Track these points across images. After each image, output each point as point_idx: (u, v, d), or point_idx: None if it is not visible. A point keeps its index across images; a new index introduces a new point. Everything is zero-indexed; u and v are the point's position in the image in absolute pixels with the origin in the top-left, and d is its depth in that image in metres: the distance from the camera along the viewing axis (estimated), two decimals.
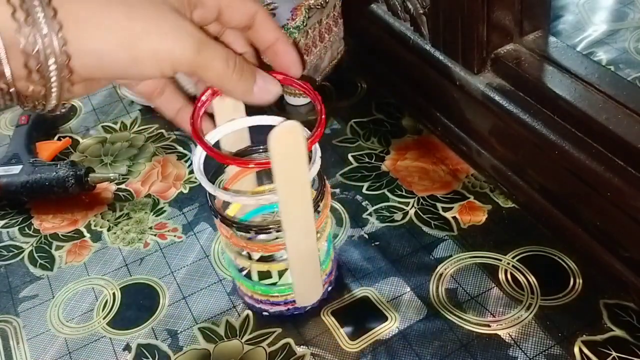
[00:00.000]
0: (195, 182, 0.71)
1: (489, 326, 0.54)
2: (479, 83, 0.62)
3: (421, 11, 0.67)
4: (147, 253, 0.64)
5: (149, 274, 0.62)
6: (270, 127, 0.42)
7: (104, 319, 0.59)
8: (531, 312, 0.55)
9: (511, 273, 0.58)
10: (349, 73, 0.82)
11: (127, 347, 0.56)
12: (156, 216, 0.68)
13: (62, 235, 0.67)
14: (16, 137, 0.75)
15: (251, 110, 0.50)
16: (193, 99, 0.47)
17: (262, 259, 0.55)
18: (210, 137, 0.49)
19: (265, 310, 0.56)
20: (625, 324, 0.53)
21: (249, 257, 0.55)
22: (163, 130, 0.78)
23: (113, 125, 0.80)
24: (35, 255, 0.66)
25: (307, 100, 0.76)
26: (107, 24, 0.35)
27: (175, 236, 0.66)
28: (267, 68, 0.45)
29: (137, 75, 0.37)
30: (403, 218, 0.64)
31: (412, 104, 0.74)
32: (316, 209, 0.50)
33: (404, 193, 0.67)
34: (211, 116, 0.49)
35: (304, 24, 0.70)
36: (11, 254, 0.66)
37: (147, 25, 0.35)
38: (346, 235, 0.63)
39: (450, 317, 0.55)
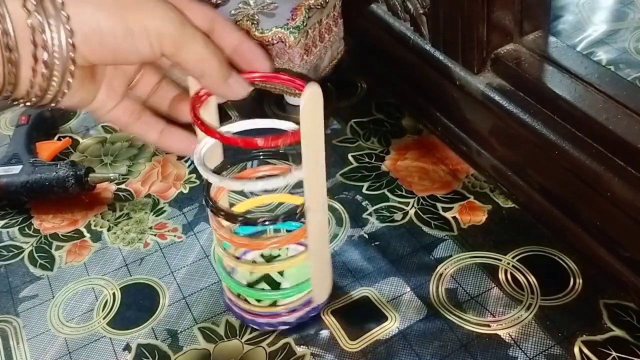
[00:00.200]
0: (195, 182, 0.71)
1: (489, 326, 0.54)
2: (479, 83, 0.62)
3: (421, 11, 0.67)
4: (147, 253, 0.64)
5: (149, 274, 0.62)
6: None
7: (104, 319, 0.59)
8: (531, 312, 0.55)
9: (511, 273, 0.58)
10: (349, 73, 0.82)
11: (127, 347, 0.56)
12: (156, 216, 0.68)
13: (62, 235, 0.67)
14: (16, 137, 0.75)
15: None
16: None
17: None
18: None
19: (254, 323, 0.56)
20: (625, 324, 0.53)
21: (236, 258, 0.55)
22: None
23: (113, 125, 0.80)
24: (35, 255, 0.66)
25: None
26: (102, 2, 0.37)
27: (175, 236, 0.66)
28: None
29: (132, 50, 0.38)
30: (403, 218, 0.64)
31: (412, 104, 0.74)
32: None
33: (404, 193, 0.67)
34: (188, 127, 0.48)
35: (304, 24, 0.70)
36: (11, 254, 0.66)
37: (136, 2, 0.38)
38: (346, 235, 0.63)
39: (450, 317, 0.55)
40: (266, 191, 0.48)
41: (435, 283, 0.58)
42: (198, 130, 0.47)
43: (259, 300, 0.55)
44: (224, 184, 0.48)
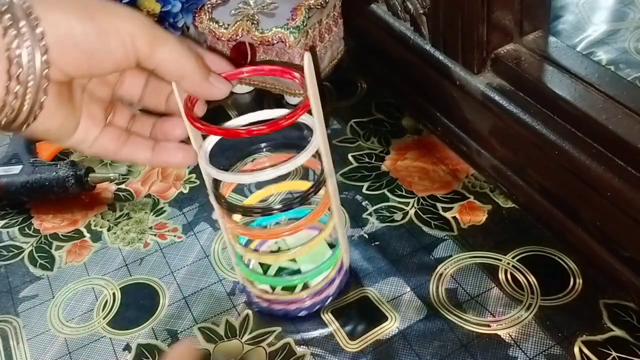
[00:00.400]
0: (196, 182, 0.71)
1: (489, 326, 0.54)
2: (479, 83, 0.62)
3: (421, 11, 0.67)
4: (147, 253, 0.64)
5: (149, 274, 0.62)
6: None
7: (104, 319, 0.59)
8: (531, 312, 0.55)
9: (511, 273, 0.58)
10: (349, 73, 0.82)
11: (127, 347, 0.56)
12: (156, 216, 0.68)
13: (62, 235, 0.67)
14: (16, 137, 0.75)
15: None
16: None
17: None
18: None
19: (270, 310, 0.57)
20: (625, 324, 0.53)
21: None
22: None
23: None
24: (35, 255, 0.66)
25: None
26: (74, 6, 0.36)
27: (175, 236, 0.66)
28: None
29: (106, 53, 0.37)
30: (403, 218, 0.64)
31: (412, 104, 0.74)
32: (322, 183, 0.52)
33: (404, 193, 0.67)
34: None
35: (304, 24, 0.70)
36: (11, 254, 0.66)
37: (106, 6, 0.38)
38: (346, 236, 0.63)
39: (450, 317, 0.55)
40: (278, 178, 0.48)
41: (435, 283, 0.58)
42: (194, 132, 0.47)
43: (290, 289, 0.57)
44: (237, 179, 0.48)
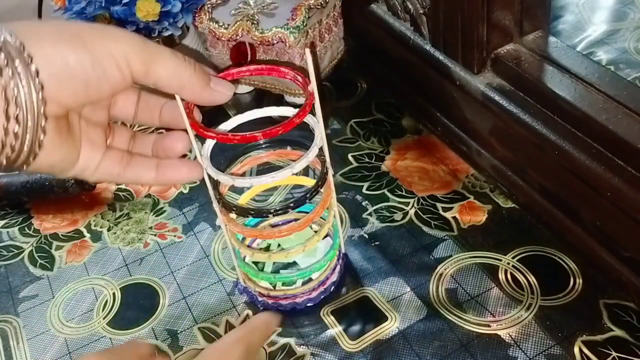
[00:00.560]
0: (195, 182, 0.71)
1: (489, 326, 0.54)
2: (479, 83, 0.62)
3: (421, 11, 0.67)
4: (147, 253, 0.64)
5: (149, 274, 0.62)
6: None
7: (104, 319, 0.59)
8: (531, 312, 0.55)
9: (511, 273, 0.58)
10: (349, 73, 0.82)
11: None
12: (156, 216, 0.68)
13: (62, 235, 0.67)
14: None
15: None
16: None
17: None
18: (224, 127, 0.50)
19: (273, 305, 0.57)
20: (625, 324, 0.53)
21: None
22: (163, 130, 0.78)
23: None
24: (35, 255, 0.66)
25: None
26: (63, 32, 0.36)
27: (175, 236, 0.66)
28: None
29: (103, 79, 0.37)
30: (403, 218, 0.64)
31: (412, 104, 0.74)
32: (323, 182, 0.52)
33: (404, 193, 0.67)
34: None
35: (304, 24, 0.70)
36: (11, 254, 0.66)
37: (96, 30, 0.37)
38: (346, 235, 0.63)
39: (450, 317, 0.55)
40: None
41: (435, 283, 0.58)
42: (192, 135, 0.47)
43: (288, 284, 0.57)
44: (252, 182, 0.48)
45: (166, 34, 0.76)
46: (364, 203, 0.66)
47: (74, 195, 0.70)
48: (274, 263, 0.60)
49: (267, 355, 0.54)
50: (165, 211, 0.68)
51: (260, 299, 0.57)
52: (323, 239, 0.60)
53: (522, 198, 0.63)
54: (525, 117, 0.58)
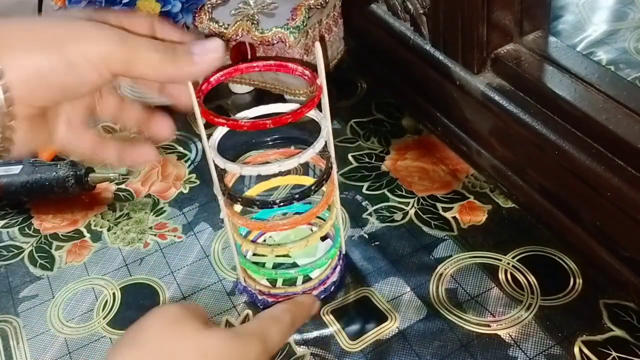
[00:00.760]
0: (196, 182, 0.71)
1: (489, 326, 0.54)
2: (479, 83, 0.62)
3: (421, 11, 0.67)
4: (147, 253, 0.64)
5: (149, 274, 0.62)
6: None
7: (104, 319, 0.59)
8: (531, 312, 0.55)
9: (511, 273, 0.58)
10: (349, 73, 0.82)
11: None
12: (156, 216, 0.68)
13: (62, 235, 0.67)
14: None
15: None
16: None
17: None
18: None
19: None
20: (625, 324, 0.53)
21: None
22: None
23: (113, 125, 0.80)
24: (35, 255, 0.66)
25: (306, 99, 0.76)
26: (37, 37, 0.36)
27: (175, 236, 0.66)
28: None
29: (79, 82, 0.37)
30: (403, 218, 0.64)
31: (412, 104, 0.74)
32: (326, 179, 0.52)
33: (404, 193, 0.67)
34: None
35: (304, 24, 0.70)
36: (11, 254, 0.66)
37: (71, 31, 0.36)
38: (346, 235, 0.63)
39: (450, 317, 0.55)
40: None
41: (435, 283, 0.58)
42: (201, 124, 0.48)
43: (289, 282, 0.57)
44: (259, 170, 0.49)
45: None
46: (364, 203, 0.66)
47: (74, 195, 0.70)
48: (274, 264, 0.60)
49: None
50: (165, 211, 0.68)
51: (260, 297, 0.57)
52: (323, 240, 0.60)
53: (522, 198, 0.63)
54: (525, 117, 0.58)
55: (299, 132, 0.58)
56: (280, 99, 0.76)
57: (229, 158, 0.50)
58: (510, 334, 0.53)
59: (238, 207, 0.55)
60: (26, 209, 0.71)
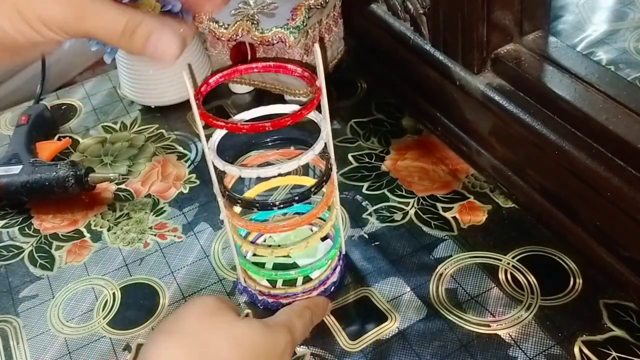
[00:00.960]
0: (196, 182, 0.71)
1: (489, 326, 0.54)
2: (479, 83, 0.62)
3: (421, 11, 0.67)
4: (147, 253, 0.64)
5: (149, 274, 0.62)
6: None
7: (104, 319, 0.59)
8: (531, 312, 0.55)
9: (511, 273, 0.58)
10: (349, 73, 0.82)
11: (127, 347, 0.56)
12: (156, 216, 0.68)
13: (62, 235, 0.67)
14: (16, 137, 0.75)
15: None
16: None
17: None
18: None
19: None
20: (625, 324, 0.53)
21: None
22: (163, 130, 0.78)
23: (113, 125, 0.80)
24: (35, 255, 0.66)
25: (306, 99, 0.76)
26: None
27: (175, 236, 0.66)
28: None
29: (37, 42, 0.37)
30: (403, 218, 0.64)
31: (412, 104, 0.74)
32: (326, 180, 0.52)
33: (404, 193, 0.67)
34: None
35: (304, 24, 0.70)
36: (11, 254, 0.66)
37: None
38: (346, 235, 0.63)
39: (450, 317, 0.55)
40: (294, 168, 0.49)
41: (435, 283, 0.58)
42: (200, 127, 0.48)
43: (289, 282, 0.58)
44: (258, 173, 0.49)
45: None
46: (364, 203, 0.66)
47: (74, 195, 0.70)
48: (274, 265, 0.60)
49: None
50: (165, 211, 0.68)
51: (260, 298, 0.57)
52: (323, 241, 0.60)
53: (522, 198, 0.63)
54: (525, 117, 0.58)
55: (298, 133, 0.58)
56: (280, 99, 0.76)
57: (229, 158, 0.50)
58: (510, 334, 0.53)
59: (238, 208, 0.55)
60: (26, 209, 0.71)
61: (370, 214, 0.65)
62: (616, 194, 0.52)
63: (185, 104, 0.79)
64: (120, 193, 0.71)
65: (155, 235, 0.66)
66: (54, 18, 0.37)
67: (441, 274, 0.59)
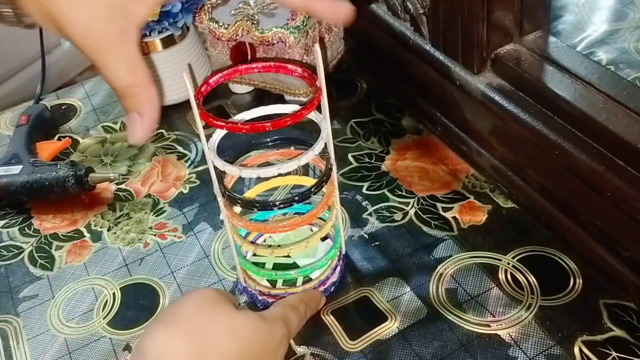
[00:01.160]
0: (196, 182, 0.71)
1: (489, 326, 0.54)
2: (479, 83, 0.62)
3: (421, 11, 0.67)
4: (147, 253, 0.64)
5: (149, 274, 0.62)
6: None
7: (104, 319, 0.59)
8: (531, 312, 0.55)
9: (511, 273, 0.58)
10: (349, 73, 0.82)
11: (127, 347, 0.56)
12: (156, 216, 0.68)
13: (62, 235, 0.67)
14: (16, 137, 0.75)
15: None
16: None
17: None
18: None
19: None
20: (625, 324, 0.53)
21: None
22: (163, 130, 0.78)
23: (113, 125, 0.80)
24: (35, 255, 0.66)
25: (306, 99, 0.76)
26: None
27: (175, 236, 0.66)
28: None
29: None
30: (403, 218, 0.64)
31: (412, 104, 0.74)
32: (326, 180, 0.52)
33: (404, 193, 0.67)
34: None
35: (304, 24, 0.70)
36: (11, 254, 0.66)
37: None
38: (346, 235, 0.63)
39: (450, 317, 0.55)
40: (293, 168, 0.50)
41: (435, 283, 0.58)
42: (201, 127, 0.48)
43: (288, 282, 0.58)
44: (258, 173, 0.49)
45: (166, 33, 0.76)
46: (364, 203, 0.66)
47: (74, 195, 0.70)
48: (274, 265, 0.60)
49: None
50: (165, 211, 0.68)
51: (260, 298, 0.57)
52: (323, 241, 0.60)
53: (522, 198, 0.63)
54: (525, 117, 0.58)
55: (299, 133, 0.58)
56: (280, 99, 0.76)
57: (229, 158, 0.50)
58: (510, 334, 0.53)
59: (238, 208, 0.55)
60: (26, 209, 0.71)
61: (370, 214, 0.65)
62: (616, 194, 0.52)
63: (185, 104, 0.79)
64: (120, 193, 0.71)
65: (155, 235, 0.66)
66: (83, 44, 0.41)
67: (441, 274, 0.59)
